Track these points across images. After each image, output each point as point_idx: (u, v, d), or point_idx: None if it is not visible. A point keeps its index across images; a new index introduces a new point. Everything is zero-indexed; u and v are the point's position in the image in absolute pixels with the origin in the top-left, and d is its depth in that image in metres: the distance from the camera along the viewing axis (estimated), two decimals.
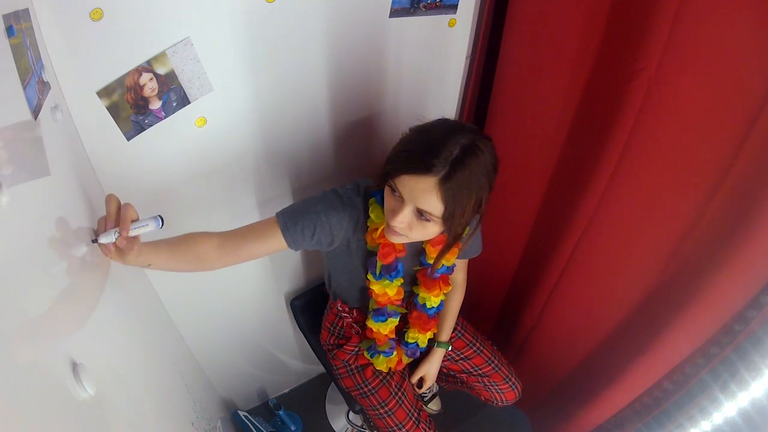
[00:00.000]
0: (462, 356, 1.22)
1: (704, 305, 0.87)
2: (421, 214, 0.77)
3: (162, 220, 0.65)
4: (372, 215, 0.88)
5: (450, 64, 1.16)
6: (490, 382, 1.20)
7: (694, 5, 0.73)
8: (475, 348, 1.22)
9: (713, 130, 0.80)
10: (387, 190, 0.80)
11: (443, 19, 1.05)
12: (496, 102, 1.16)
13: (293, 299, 1.35)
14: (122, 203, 0.65)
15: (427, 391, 1.44)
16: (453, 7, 1.04)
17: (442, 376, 1.30)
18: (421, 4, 0.99)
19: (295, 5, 0.86)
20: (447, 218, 0.76)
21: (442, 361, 1.21)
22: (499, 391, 1.20)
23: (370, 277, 0.97)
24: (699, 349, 0.93)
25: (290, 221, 0.84)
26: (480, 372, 1.21)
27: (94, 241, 0.62)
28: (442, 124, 0.79)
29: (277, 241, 0.84)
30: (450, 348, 1.20)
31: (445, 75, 1.17)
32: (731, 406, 0.86)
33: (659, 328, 0.96)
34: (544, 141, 1.10)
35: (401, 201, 0.77)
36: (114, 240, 0.62)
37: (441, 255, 0.92)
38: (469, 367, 1.22)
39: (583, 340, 1.22)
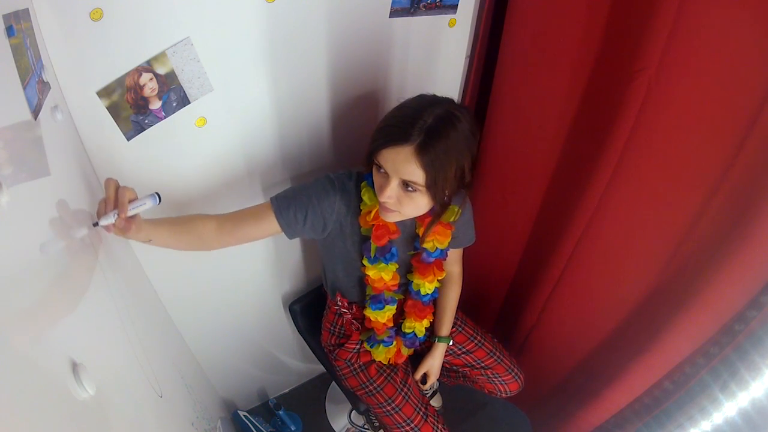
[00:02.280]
0: (464, 350, 1.23)
1: (704, 305, 0.87)
2: (407, 186, 0.80)
3: (159, 197, 0.69)
4: (364, 198, 0.90)
5: (450, 64, 1.16)
6: (493, 374, 1.21)
7: (694, 5, 0.73)
8: (476, 341, 1.23)
9: (713, 130, 0.80)
10: (374, 170, 0.84)
11: (443, 19, 1.05)
12: (496, 102, 1.16)
13: (291, 303, 1.35)
14: (120, 186, 0.66)
15: (428, 388, 1.45)
16: (453, 7, 1.04)
17: (444, 371, 1.31)
18: (421, 4, 0.99)
19: (295, 5, 0.86)
20: (430, 185, 0.79)
21: (445, 356, 1.22)
22: (502, 382, 1.21)
23: (365, 262, 0.98)
24: (699, 349, 0.93)
25: (283, 206, 0.87)
26: (483, 364, 1.21)
27: (96, 224, 0.64)
28: (418, 98, 0.83)
29: (271, 225, 0.88)
30: (451, 342, 1.21)
31: (445, 75, 1.17)
32: (731, 406, 0.86)
33: (659, 328, 0.96)
34: (544, 141, 1.10)
35: (387, 176, 0.81)
36: (113, 221, 0.64)
37: (431, 225, 0.94)
38: (471, 361, 1.22)
39: (583, 340, 1.22)
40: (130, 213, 0.66)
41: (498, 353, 1.22)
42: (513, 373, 1.21)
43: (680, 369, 0.98)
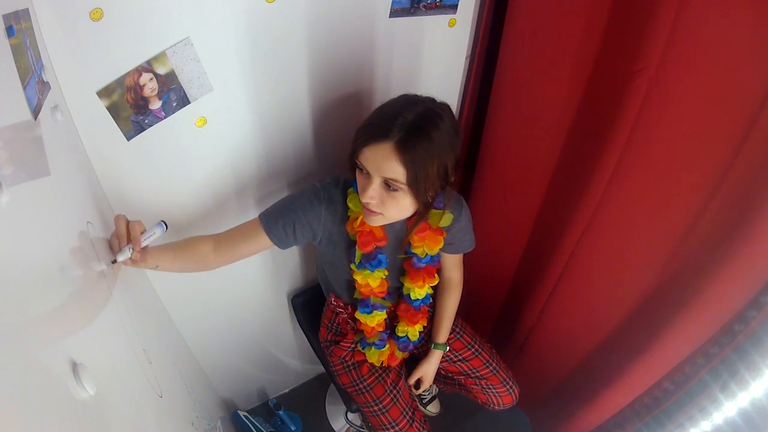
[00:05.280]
0: (460, 358, 1.22)
1: (704, 305, 0.87)
2: (388, 185, 0.79)
3: (166, 225, 0.72)
4: (350, 204, 0.90)
5: (450, 64, 1.16)
6: (487, 385, 1.19)
7: (694, 5, 0.73)
8: (473, 350, 1.22)
9: (713, 130, 0.80)
10: (357, 171, 0.83)
11: (443, 19, 1.05)
12: (496, 102, 1.16)
13: (294, 296, 1.36)
14: (130, 221, 0.71)
15: (426, 393, 1.44)
16: (453, 7, 1.04)
17: (441, 378, 1.30)
18: (421, 4, 0.99)
19: (295, 5, 0.86)
20: (412, 183, 0.78)
21: (441, 362, 1.21)
22: (496, 394, 1.20)
23: (352, 266, 0.98)
24: (699, 349, 0.93)
25: (271, 221, 0.88)
26: (478, 374, 1.20)
27: (114, 261, 0.68)
28: (400, 98, 0.83)
29: (264, 242, 0.89)
30: (447, 349, 1.20)
31: (445, 75, 1.17)
32: (731, 406, 0.86)
33: (659, 328, 0.96)
34: (544, 141, 1.10)
35: (369, 176, 0.80)
36: (129, 256, 0.69)
37: (416, 224, 0.94)
38: (466, 369, 1.21)
39: (583, 340, 1.22)
40: (143, 245, 0.69)
41: (494, 364, 1.20)
42: (507, 386, 1.19)
43: (680, 369, 0.98)
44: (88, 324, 0.58)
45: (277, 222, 0.88)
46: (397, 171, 0.76)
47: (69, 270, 0.56)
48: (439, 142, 0.77)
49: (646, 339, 0.99)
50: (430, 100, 0.81)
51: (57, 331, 0.49)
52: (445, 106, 0.82)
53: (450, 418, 1.67)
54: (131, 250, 0.69)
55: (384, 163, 0.76)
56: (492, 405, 1.22)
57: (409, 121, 0.75)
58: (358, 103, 1.09)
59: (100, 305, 0.64)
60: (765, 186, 0.74)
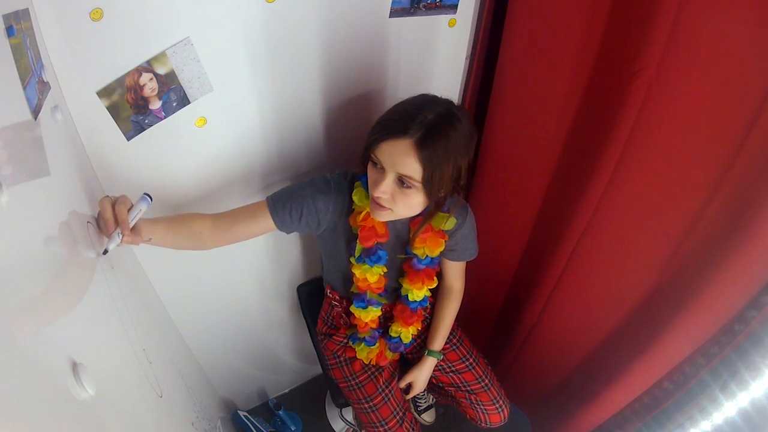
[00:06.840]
0: (453, 369, 1.19)
1: (704, 305, 0.87)
2: (402, 182, 0.79)
3: (150, 197, 0.70)
4: (355, 198, 0.91)
5: (450, 64, 1.16)
6: (476, 401, 1.17)
7: (694, 5, 0.73)
8: (467, 363, 1.19)
9: (713, 130, 0.80)
10: (370, 165, 0.83)
11: (443, 19, 1.05)
12: (496, 102, 1.16)
13: (300, 285, 1.36)
14: (116, 201, 0.68)
15: (422, 401, 1.44)
16: (453, 7, 1.04)
17: (434, 387, 1.28)
18: (421, 4, 0.99)
19: (295, 5, 0.86)
20: (426, 182, 0.78)
21: (433, 371, 1.19)
22: (484, 411, 1.17)
23: (352, 260, 0.99)
24: (699, 349, 0.93)
25: (279, 204, 0.88)
26: (468, 389, 1.18)
27: (105, 252, 0.65)
28: (419, 96, 0.83)
29: (266, 223, 0.88)
30: (441, 357, 1.18)
31: (445, 75, 1.17)
32: (731, 406, 0.86)
33: (659, 328, 0.96)
34: (544, 141, 1.10)
35: (383, 171, 0.80)
36: (119, 242, 0.66)
37: (422, 224, 0.94)
38: (458, 381, 1.19)
39: (583, 340, 1.22)
40: (131, 225, 0.67)
41: (487, 380, 1.18)
42: (497, 405, 1.16)
43: (680, 369, 0.98)
44: (89, 323, 0.58)
45: (284, 206, 0.88)
46: (413, 168, 0.77)
47: (69, 270, 0.56)
48: (457, 144, 0.78)
49: (646, 339, 0.99)
50: (449, 102, 0.82)
51: (57, 331, 0.49)
52: (463, 109, 0.82)
53: (449, 417, 1.67)
54: (120, 236, 0.66)
55: (401, 159, 0.77)
56: (479, 422, 1.19)
57: (429, 120, 0.76)
58: (356, 103, 1.09)
59: (100, 305, 0.64)
60: (765, 186, 0.74)
